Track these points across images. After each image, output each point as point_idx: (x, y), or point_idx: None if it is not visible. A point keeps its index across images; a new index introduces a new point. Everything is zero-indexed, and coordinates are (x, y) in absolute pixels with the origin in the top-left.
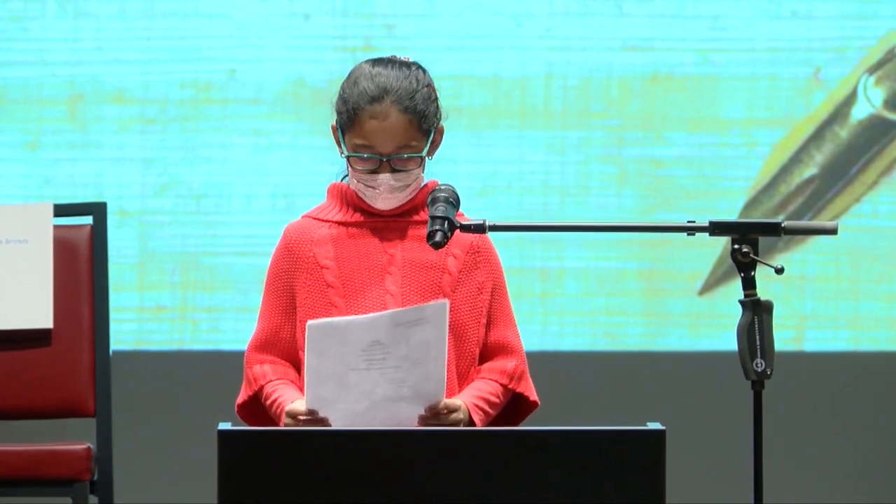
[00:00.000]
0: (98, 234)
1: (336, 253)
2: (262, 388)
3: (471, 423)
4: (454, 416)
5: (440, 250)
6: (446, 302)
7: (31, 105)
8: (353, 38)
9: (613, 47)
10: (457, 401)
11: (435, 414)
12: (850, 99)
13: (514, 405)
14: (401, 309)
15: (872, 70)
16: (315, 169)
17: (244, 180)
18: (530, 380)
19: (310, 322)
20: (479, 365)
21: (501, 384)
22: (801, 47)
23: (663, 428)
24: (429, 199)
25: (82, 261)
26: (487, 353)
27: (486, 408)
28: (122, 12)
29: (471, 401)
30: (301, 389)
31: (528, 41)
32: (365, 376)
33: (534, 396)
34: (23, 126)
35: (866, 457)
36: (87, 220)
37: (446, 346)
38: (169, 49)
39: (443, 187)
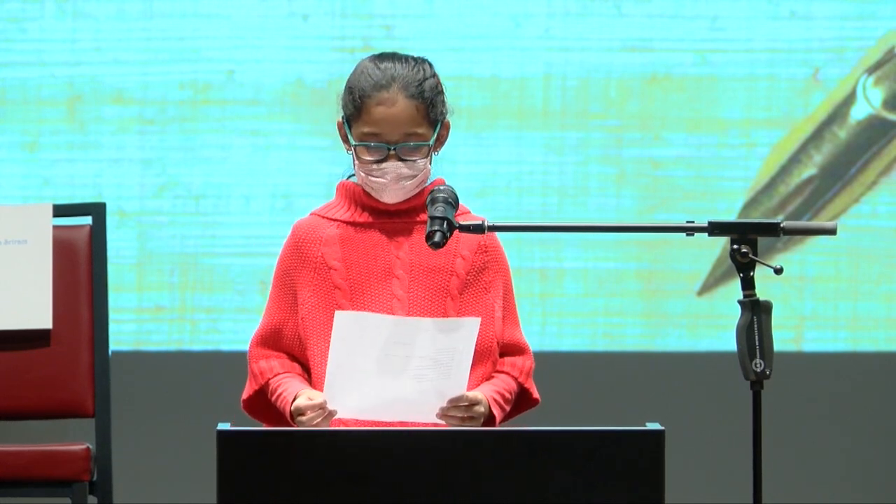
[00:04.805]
0: (97, 235)
1: (344, 254)
2: (268, 382)
3: (491, 416)
4: (476, 408)
5: (448, 252)
6: (478, 319)
7: (30, 106)
8: (351, 39)
9: (612, 48)
10: (478, 394)
11: (456, 406)
12: (849, 99)
13: (517, 400)
14: (437, 319)
15: (871, 70)
16: (314, 169)
17: (243, 181)
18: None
19: (338, 312)
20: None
21: (513, 376)
22: (800, 48)
23: (662, 428)
24: (428, 199)
25: (81, 261)
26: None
27: (504, 403)
28: (120, 13)
29: (491, 395)
30: (307, 382)
31: (526, 42)
32: (387, 368)
33: (536, 394)
34: (22, 127)
35: (865, 457)
36: (87, 220)
37: (471, 356)
38: (168, 50)
39: (442, 187)
